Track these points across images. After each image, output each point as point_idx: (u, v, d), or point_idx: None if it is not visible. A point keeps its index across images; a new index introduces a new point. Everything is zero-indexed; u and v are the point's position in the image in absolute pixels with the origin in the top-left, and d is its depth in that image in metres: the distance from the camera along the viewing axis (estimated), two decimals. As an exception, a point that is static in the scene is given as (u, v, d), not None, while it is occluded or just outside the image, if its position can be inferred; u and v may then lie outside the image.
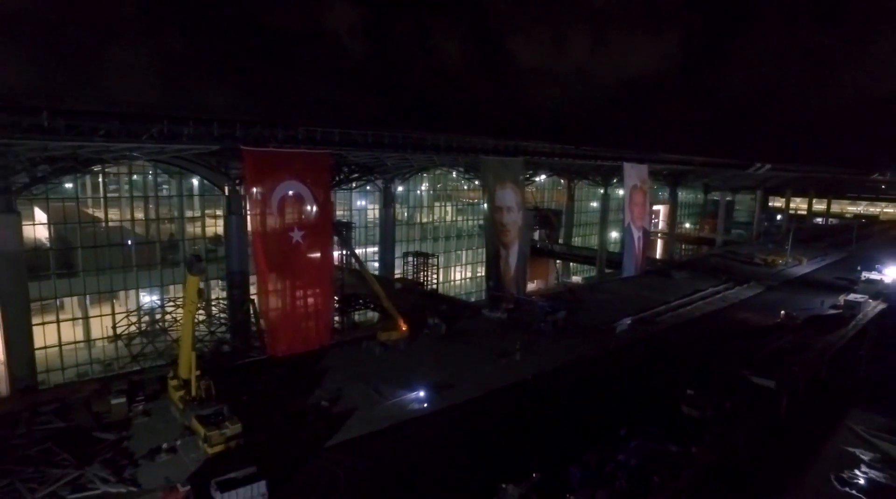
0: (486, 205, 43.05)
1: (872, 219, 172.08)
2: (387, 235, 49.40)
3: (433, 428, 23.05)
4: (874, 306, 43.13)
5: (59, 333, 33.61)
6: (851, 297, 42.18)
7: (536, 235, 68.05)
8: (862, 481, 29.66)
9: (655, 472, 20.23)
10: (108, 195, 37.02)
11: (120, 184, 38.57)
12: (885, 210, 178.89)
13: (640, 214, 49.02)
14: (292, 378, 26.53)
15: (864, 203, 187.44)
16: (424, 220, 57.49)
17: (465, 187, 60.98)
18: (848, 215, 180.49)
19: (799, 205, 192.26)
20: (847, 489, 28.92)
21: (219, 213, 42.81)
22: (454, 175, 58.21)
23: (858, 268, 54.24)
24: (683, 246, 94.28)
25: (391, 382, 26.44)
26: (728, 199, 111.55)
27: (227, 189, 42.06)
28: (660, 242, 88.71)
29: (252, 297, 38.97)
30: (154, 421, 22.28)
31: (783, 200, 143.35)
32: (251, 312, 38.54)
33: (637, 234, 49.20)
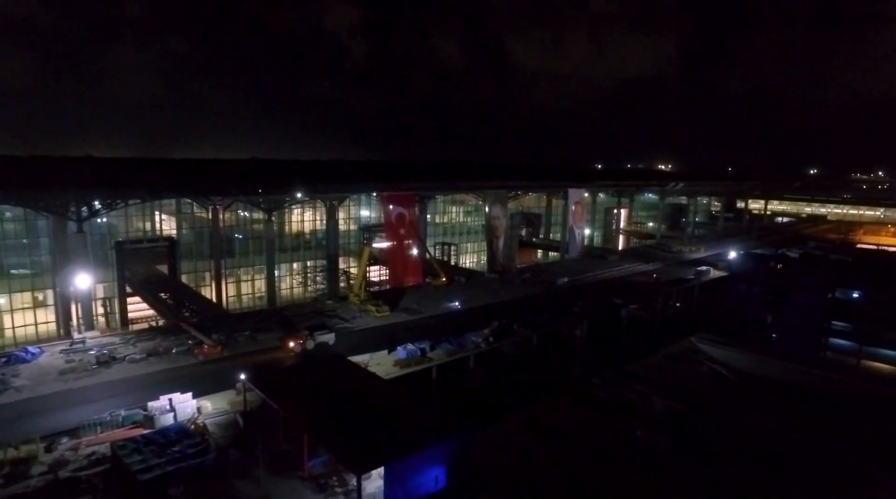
0: (485, 217, 74.06)
1: (821, 218, 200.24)
2: (420, 231, 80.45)
3: (463, 314, 54.14)
4: (715, 274, 74.28)
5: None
6: (701, 268, 73.25)
7: (524, 232, 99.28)
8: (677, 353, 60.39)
9: (553, 325, 51.27)
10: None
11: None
12: (833, 211, 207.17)
13: (579, 219, 80.00)
14: (394, 299, 57.52)
15: (816, 204, 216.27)
16: (445, 221, 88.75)
17: (471, 200, 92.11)
18: (803, 215, 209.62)
19: (763, 206, 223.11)
20: (666, 359, 59.67)
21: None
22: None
23: (732, 252, 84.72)
24: (640, 240, 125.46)
25: (441, 300, 57.41)
26: (684, 202, 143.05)
27: (326, 205, 73.45)
28: (621, 238, 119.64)
29: (344, 268, 70.83)
30: (343, 310, 53.25)
31: (747, 200, 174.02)
32: (346, 275, 70.20)
33: (577, 231, 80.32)
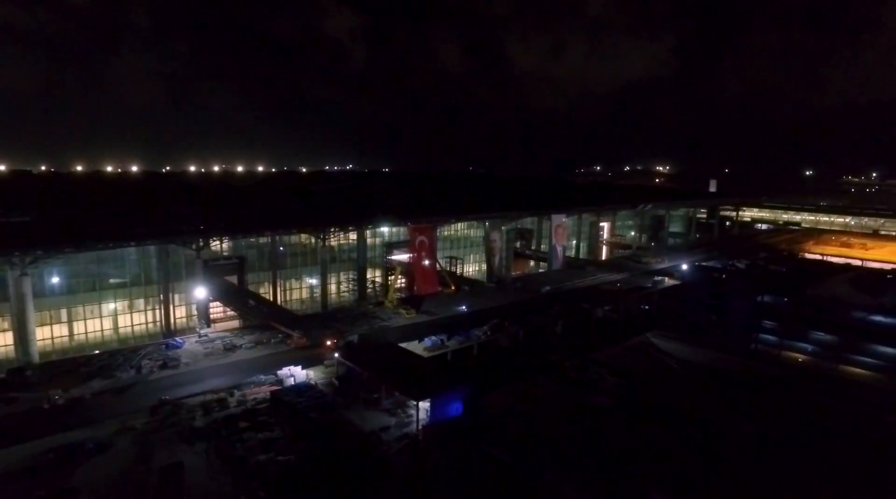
0: (484, 239, 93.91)
1: (794, 225, 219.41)
2: (435, 251, 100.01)
3: (468, 314, 73.85)
4: (670, 282, 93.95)
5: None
6: (657, 277, 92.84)
7: (518, 245, 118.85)
8: (634, 345, 79.99)
9: (536, 323, 70.97)
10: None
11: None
12: (806, 218, 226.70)
13: (560, 238, 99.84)
14: (417, 304, 77.15)
15: (792, 211, 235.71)
16: (451, 234, 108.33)
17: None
18: (780, 222, 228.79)
19: (744, 214, 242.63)
20: (624, 350, 79.25)
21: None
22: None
23: (684, 265, 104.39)
24: (622, 250, 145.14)
25: (452, 304, 77.10)
26: (662, 213, 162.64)
27: (357, 232, 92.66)
28: (604, 248, 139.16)
29: (371, 278, 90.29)
30: (381, 313, 72.92)
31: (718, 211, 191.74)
32: (373, 284, 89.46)
33: (559, 248, 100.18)
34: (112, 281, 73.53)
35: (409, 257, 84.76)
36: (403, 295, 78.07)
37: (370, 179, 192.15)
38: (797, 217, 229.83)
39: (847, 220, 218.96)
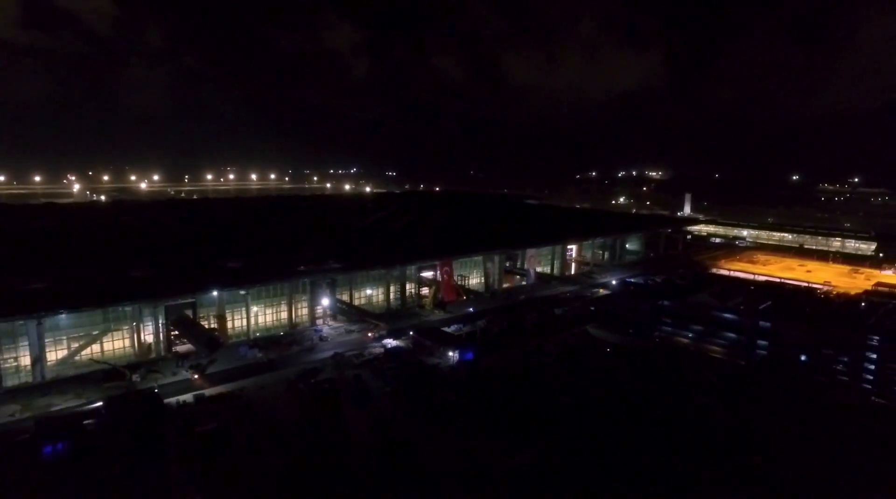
0: (484, 265, 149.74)
1: (741, 239, 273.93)
2: (453, 274, 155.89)
3: (474, 313, 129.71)
4: (604, 292, 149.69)
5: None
6: (594, 289, 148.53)
7: (507, 264, 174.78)
8: (577, 333, 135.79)
9: (514, 319, 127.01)
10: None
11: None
12: (751, 233, 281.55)
13: (532, 263, 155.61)
14: (443, 306, 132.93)
15: (740, 228, 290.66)
16: (461, 259, 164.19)
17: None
18: (731, 236, 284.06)
19: (703, 229, 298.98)
20: (569, 335, 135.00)
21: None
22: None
23: (619, 276, 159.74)
24: (584, 266, 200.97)
25: (464, 307, 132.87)
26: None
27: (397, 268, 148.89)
28: (573, 265, 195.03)
29: (409, 289, 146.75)
30: (422, 312, 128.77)
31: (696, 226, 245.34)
32: (411, 294, 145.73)
33: (531, 270, 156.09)
34: (262, 292, 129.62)
35: (433, 275, 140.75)
36: (436, 301, 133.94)
37: (391, 204, 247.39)
38: (744, 232, 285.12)
39: (783, 235, 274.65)
